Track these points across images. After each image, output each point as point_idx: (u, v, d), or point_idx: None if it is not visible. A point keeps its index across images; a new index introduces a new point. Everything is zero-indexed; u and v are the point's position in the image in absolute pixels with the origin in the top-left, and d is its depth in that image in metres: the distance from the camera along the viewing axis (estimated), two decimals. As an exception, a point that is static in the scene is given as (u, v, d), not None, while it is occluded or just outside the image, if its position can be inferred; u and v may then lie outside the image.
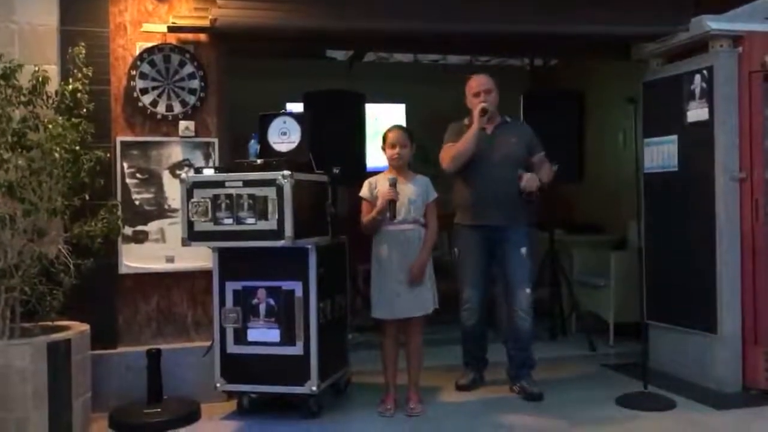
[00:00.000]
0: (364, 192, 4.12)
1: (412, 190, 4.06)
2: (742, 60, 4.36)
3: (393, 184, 3.98)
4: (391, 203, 3.95)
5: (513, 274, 4.37)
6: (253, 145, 4.28)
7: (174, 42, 4.35)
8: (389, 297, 4.00)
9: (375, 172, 4.25)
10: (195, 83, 4.36)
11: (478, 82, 4.40)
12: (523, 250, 4.36)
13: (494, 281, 4.62)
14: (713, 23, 4.40)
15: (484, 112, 4.27)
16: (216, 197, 3.86)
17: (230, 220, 3.85)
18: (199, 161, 4.33)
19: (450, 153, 4.36)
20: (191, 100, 4.35)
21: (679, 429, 3.84)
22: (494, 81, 4.45)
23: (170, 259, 4.30)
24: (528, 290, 4.37)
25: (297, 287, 3.96)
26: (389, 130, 4.13)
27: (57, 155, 3.60)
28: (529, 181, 4.28)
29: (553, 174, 4.50)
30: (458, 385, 4.54)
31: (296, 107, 5.39)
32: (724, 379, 4.38)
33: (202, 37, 4.40)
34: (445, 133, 4.50)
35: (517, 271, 4.36)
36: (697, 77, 4.49)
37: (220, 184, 3.87)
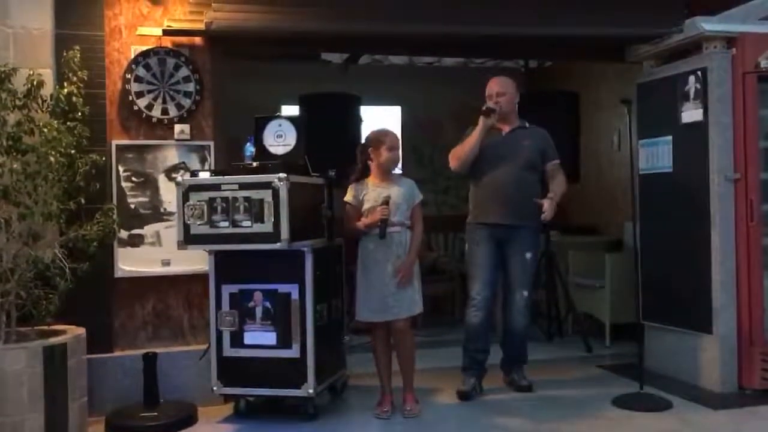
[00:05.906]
0: (349, 197, 4.11)
1: (398, 193, 4.05)
2: (736, 61, 4.38)
3: (386, 202, 3.94)
4: (383, 222, 3.92)
5: (513, 276, 4.41)
6: (249, 148, 4.28)
7: (169, 45, 4.35)
8: (376, 299, 4.00)
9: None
10: (190, 86, 4.36)
11: (489, 86, 4.45)
12: (529, 255, 4.38)
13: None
14: (707, 24, 4.42)
15: (486, 112, 4.27)
16: (212, 200, 3.86)
17: (226, 223, 3.84)
18: (194, 164, 4.33)
19: (456, 154, 4.40)
20: (186, 103, 4.35)
21: (676, 429, 3.85)
22: (512, 83, 4.48)
23: (166, 263, 4.29)
24: (525, 293, 4.40)
25: (293, 290, 3.96)
26: (385, 134, 4.12)
27: (52, 159, 3.59)
28: (548, 211, 4.25)
29: (566, 184, 4.48)
30: (459, 393, 4.39)
31: (292, 110, 5.39)
32: (719, 379, 4.39)
33: (197, 40, 4.40)
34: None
35: (518, 274, 4.40)
36: (692, 78, 4.50)
37: (216, 187, 3.87)
